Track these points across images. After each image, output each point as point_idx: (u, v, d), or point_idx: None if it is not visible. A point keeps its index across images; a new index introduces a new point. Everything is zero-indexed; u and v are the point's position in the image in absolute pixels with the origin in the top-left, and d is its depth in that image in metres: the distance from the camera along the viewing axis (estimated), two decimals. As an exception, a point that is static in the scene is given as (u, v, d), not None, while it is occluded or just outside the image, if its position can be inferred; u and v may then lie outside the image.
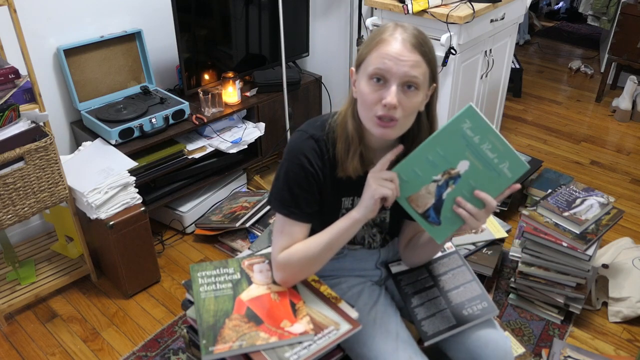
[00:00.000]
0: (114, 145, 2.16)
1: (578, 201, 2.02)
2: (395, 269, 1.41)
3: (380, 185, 1.11)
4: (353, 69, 1.16)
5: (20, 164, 1.77)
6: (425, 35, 1.12)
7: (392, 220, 1.34)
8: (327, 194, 1.23)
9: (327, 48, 3.02)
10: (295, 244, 1.21)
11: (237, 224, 2.34)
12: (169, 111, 2.28)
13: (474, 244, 2.11)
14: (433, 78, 1.14)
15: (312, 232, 1.25)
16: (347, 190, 1.25)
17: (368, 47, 1.11)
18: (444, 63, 2.39)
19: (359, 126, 1.17)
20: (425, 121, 1.19)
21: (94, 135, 2.24)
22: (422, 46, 1.09)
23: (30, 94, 1.87)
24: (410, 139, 1.20)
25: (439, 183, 1.12)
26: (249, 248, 2.28)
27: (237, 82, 2.53)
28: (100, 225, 1.99)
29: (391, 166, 1.25)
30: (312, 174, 1.19)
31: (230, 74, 2.52)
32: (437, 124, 1.22)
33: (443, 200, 1.13)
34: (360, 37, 2.73)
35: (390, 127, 1.11)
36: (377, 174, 1.13)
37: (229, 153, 2.49)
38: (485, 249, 2.11)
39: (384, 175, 1.12)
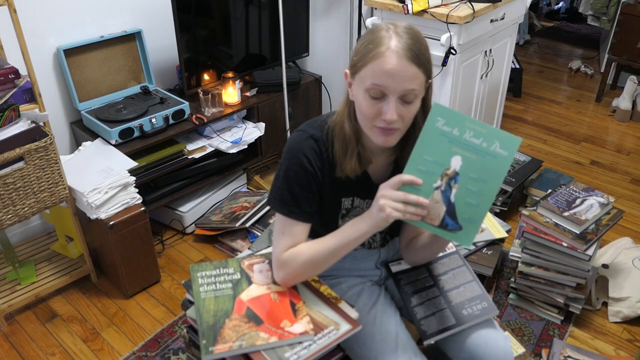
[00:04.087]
0: (114, 145, 2.16)
1: (578, 201, 2.02)
2: (395, 268, 1.41)
3: (394, 209, 1.06)
4: (347, 71, 1.15)
5: (20, 164, 1.77)
6: (420, 38, 1.09)
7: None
8: (327, 194, 1.23)
9: (327, 48, 3.02)
10: (300, 244, 1.21)
11: (237, 224, 2.34)
12: (169, 111, 2.28)
13: (474, 243, 2.11)
14: (428, 77, 1.12)
15: (312, 231, 1.25)
16: (347, 191, 1.25)
17: (364, 59, 1.08)
18: (444, 63, 2.39)
19: (356, 127, 1.17)
20: (420, 117, 1.17)
21: (94, 135, 2.24)
22: (419, 57, 1.06)
23: (30, 94, 1.87)
24: (406, 137, 1.20)
25: (441, 188, 1.11)
26: (249, 248, 2.28)
27: (237, 82, 2.53)
28: (100, 225, 1.99)
29: (394, 170, 1.24)
30: (311, 173, 1.19)
31: (230, 74, 2.52)
32: None
33: (453, 203, 1.11)
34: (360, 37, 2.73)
35: (392, 135, 1.12)
36: (388, 192, 1.07)
37: (229, 153, 2.49)
38: (485, 249, 2.11)
39: (396, 197, 1.07)
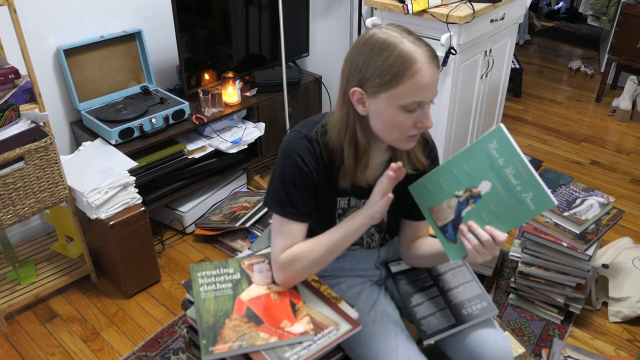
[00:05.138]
0: (114, 145, 2.16)
1: (578, 201, 2.02)
2: (395, 268, 1.41)
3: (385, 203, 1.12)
4: (359, 89, 1.10)
5: (20, 164, 1.78)
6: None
7: (391, 220, 1.34)
8: (323, 194, 1.23)
9: (327, 48, 3.02)
10: (297, 244, 1.21)
11: (237, 224, 2.34)
12: (169, 111, 2.29)
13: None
14: None
15: (311, 231, 1.25)
16: (343, 191, 1.25)
17: (397, 79, 1.05)
18: (444, 63, 2.39)
19: (369, 139, 1.17)
20: None
21: (94, 135, 2.24)
22: (438, 59, 1.09)
23: (30, 94, 1.87)
24: None
25: (460, 199, 1.12)
26: (249, 248, 2.28)
27: (237, 82, 2.53)
28: (100, 225, 1.99)
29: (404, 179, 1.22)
30: (307, 173, 1.19)
31: (230, 74, 2.52)
32: None
33: (462, 218, 1.12)
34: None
35: (417, 138, 1.16)
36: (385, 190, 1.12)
37: (229, 153, 2.49)
38: (485, 249, 2.10)
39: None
